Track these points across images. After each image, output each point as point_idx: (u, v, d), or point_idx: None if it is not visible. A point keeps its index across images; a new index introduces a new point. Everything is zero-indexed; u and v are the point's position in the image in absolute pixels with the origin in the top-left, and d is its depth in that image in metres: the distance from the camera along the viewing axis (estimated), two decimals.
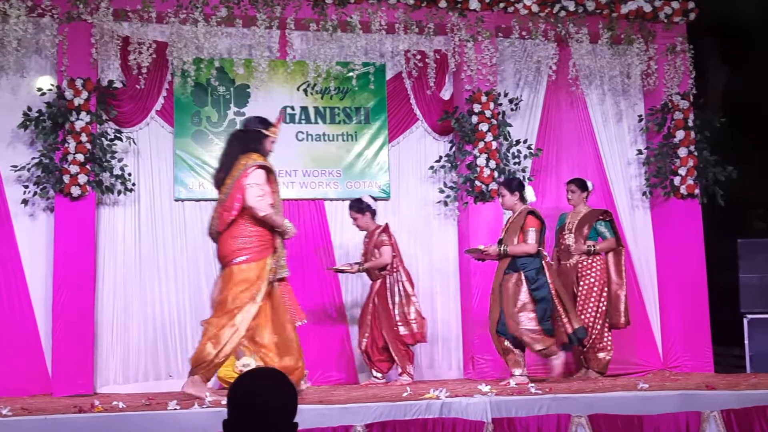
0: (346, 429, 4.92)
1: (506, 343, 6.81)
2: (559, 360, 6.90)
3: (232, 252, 5.67)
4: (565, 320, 6.81)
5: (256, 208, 5.59)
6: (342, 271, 7.59)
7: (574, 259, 7.56)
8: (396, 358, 7.26)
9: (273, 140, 5.90)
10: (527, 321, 6.72)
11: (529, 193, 7.06)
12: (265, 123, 5.93)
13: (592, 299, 7.43)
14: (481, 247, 7.09)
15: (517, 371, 6.75)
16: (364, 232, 7.53)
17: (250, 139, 5.82)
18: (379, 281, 7.37)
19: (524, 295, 6.77)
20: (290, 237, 5.95)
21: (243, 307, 5.56)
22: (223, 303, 5.60)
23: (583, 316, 7.38)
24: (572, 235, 7.60)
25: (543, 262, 6.89)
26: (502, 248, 6.90)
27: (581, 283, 7.50)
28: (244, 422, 2.44)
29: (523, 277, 6.80)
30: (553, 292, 6.81)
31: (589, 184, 7.80)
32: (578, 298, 7.47)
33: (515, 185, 7.05)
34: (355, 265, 7.48)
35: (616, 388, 5.85)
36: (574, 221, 7.66)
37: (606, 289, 7.49)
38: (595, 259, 7.50)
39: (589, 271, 7.49)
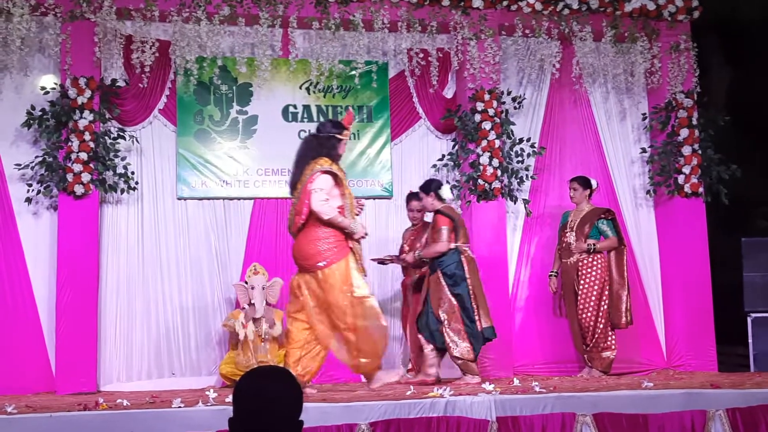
0: (350, 427, 4.92)
1: (422, 340, 6.89)
2: (433, 369, 6.86)
3: (311, 256, 5.98)
4: (476, 317, 6.80)
5: (321, 212, 5.87)
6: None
7: (574, 258, 7.55)
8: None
9: (345, 142, 6.17)
10: (449, 322, 6.78)
11: (445, 191, 7.03)
12: (338, 126, 6.18)
13: (593, 298, 7.41)
14: (388, 257, 7.33)
15: (432, 371, 6.83)
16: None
17: (321, 145, 6.10)
18: None
19: (446, 295, 6.83)
20: (360, 237, 6.09)
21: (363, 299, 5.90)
22: (338, 305, 5.88)
23: (583, 315, 7.38)
24: (573, 234, 7.59)
25: (462, 257, 6.86)
26: (416, 254, 7.04)
27: (581, 281, 7.48)
28: (250, 420, 2.44)
29: (441, 276, 6.84)
30: (469, 287, 6.81)
31: (593, 182, 7.78)
32: (579, 297, 7.46)
33: (432, 186, 7.03)
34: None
35: (621, 386, 5.83)
36: (576, 219, 7.65)
37: (607, 288, 7.47)
38: (596, 258, 7.49)
39: (589, 270, 7.48)
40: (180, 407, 4.98)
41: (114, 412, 4.93)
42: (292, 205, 6.14)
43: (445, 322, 6.76)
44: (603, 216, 7.62)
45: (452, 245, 6.84)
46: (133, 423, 4.80)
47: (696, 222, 8.22)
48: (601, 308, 7.41)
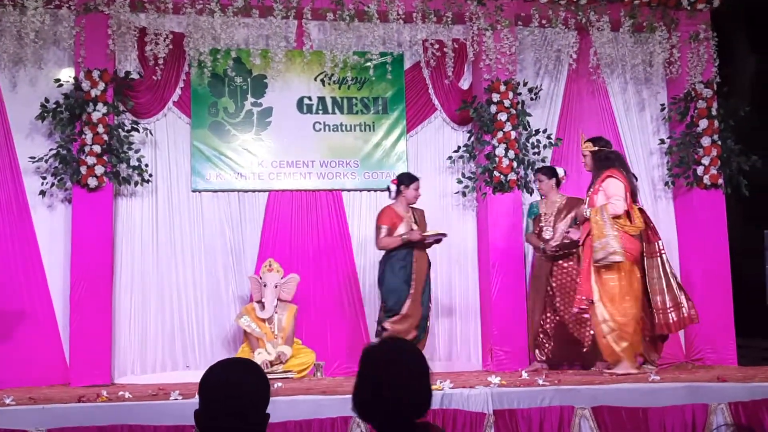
0: (345, 420, 4.88)
1: None
2: None
3: None
4: None
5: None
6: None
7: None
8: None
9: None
10: None
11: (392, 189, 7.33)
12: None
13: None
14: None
15: None
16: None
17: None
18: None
19: None
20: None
21: None
22: None
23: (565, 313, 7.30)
24: (550, 228, 7.47)
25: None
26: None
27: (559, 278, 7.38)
28: (215, 412, 2.40)
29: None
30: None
31: (559, 171, 7.61)
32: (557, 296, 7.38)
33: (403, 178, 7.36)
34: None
35: (627, 379, 5.75)
36: (551, 211, 7.50)
37: None
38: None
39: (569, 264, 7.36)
40: (177, 400, 4.97)
41: (110, 405, 4.94)
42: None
43: None
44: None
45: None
46: (127, 415, 4.80)
47: (715, 214, 8.10)
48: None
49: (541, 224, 7.53)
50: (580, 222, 6.69)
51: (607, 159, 6.51)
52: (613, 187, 6.36)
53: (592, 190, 6.52)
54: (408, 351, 2.56)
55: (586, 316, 6.55)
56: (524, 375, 6.25)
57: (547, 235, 7.45)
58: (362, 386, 2.51)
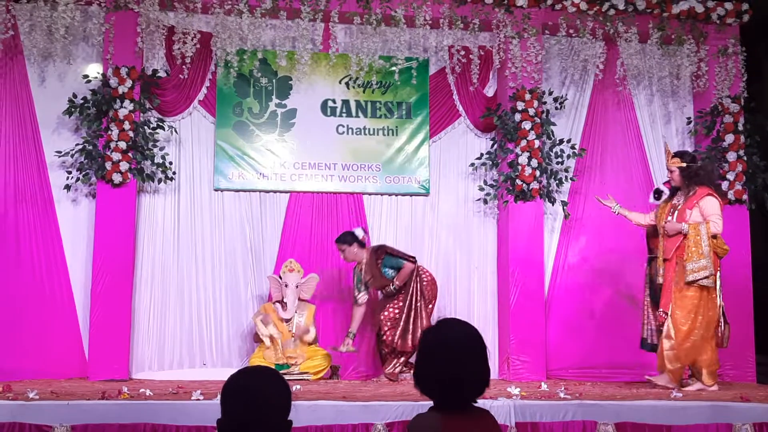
0: (366, 427, 4.89)
1: None
2: None
3: None
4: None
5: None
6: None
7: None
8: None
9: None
10: None
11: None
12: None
13: None
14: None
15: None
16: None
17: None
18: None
19: None
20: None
21: None
22: None
23: None
24: (366, 291, 7.45)
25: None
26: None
27: None
28: (238, 420, 2.42)
29: None
30: None
31: (358, 232, 7.48)
32: None
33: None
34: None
35: (649, 396, 5.72)
36: (367, 274, 7.40)
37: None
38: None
39: None
40: (199, 400, 4.99)
41: (133, 402, 4.96)
42: None
43: None
44: (380, 257, 7.34)
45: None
46: (150, 413, 4.82)
47: (739, 229, 8.01)
48: None
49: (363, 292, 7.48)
50: (667, 233, 6.56)
51: (697, 175, 6.54)
52: (712, 206, 6.42)
53: (682, 205, 6.54)
54: (466, 331, 2.63)
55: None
56: (543, 386, 6.26)
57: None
58: (422, 364, 2.61)
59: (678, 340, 6.35)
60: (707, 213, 6.41)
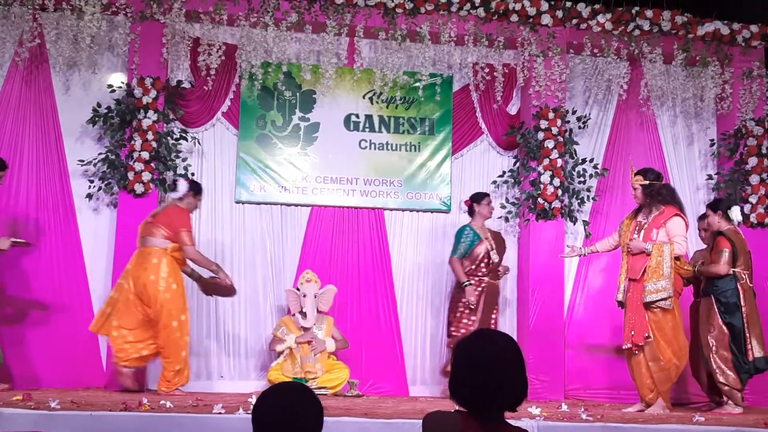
0: None
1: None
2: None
3: None
4: (748, 347, 6.62)
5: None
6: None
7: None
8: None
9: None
10: (716, 348, 6.69)
11: (735, 212, 6.92)
12: None
13: None
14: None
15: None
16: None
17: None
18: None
19: (717, 321, 6.69)
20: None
21: None
22: None
23: None
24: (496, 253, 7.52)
25: (739, 284, 6.65)
26: (696, 268, 6.92)
27: None
28: None
29: (714, 301, 6.71)
30: (743, 317, 6.64)
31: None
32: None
33: (721, 205, 6.94)
34: None
35: (671, 420, 5.66)
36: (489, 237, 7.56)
37: None
38: None
39: None
40: (220, 413, 4.95)
41: (153, 415, 4.92)
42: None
43: (713, 348, 6.62)
44: None
45: (730, 271, 6.66)
46: (171, 426, 4.78)
47: (761, 252, 7.96)
48: None
49: (482, 250, 7.48)
50: (631, 251, 6.45)
51: (659, 194, 6.43)
52: (678, 227, 6.32)
53: (647, 224, 6.43)
54: (503, 342, 2.60)
55: (636, 352, 6.41)
56: (564, 407, 6.20)
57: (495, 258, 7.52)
58: (457, 374, 2.57)
59: (669, 361, 6.27)
60: (672, 234, 6.30)
